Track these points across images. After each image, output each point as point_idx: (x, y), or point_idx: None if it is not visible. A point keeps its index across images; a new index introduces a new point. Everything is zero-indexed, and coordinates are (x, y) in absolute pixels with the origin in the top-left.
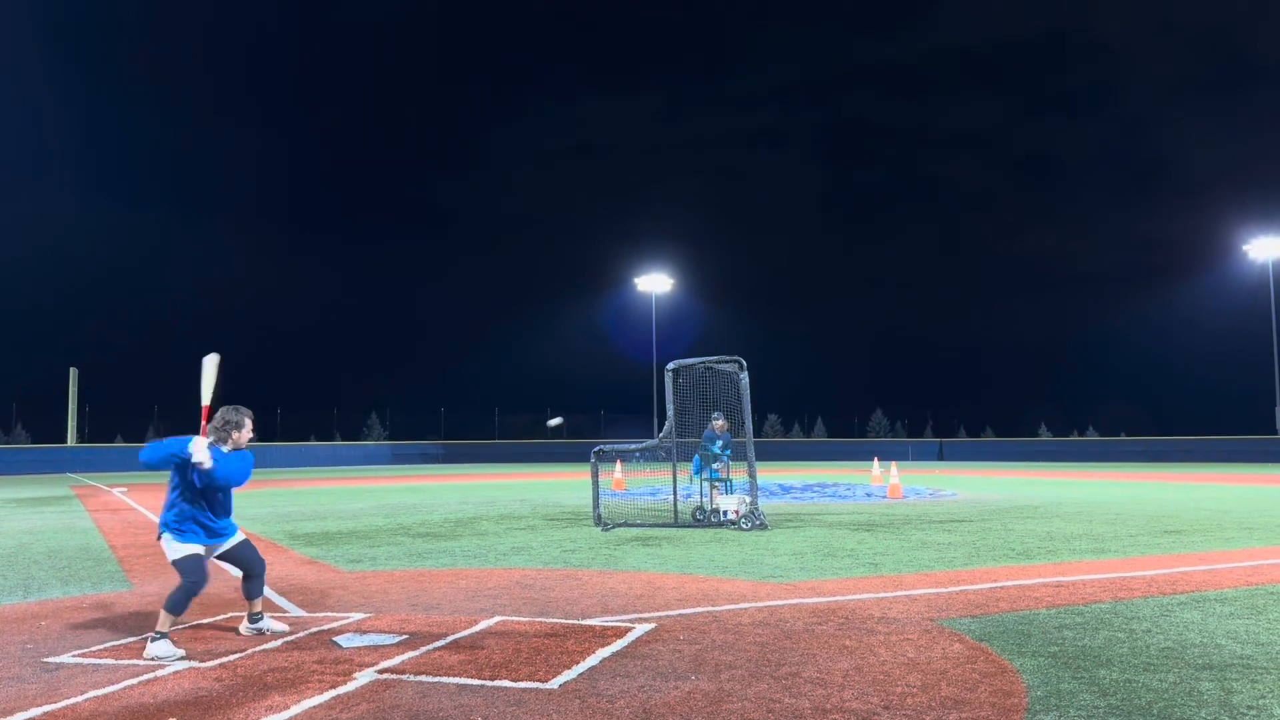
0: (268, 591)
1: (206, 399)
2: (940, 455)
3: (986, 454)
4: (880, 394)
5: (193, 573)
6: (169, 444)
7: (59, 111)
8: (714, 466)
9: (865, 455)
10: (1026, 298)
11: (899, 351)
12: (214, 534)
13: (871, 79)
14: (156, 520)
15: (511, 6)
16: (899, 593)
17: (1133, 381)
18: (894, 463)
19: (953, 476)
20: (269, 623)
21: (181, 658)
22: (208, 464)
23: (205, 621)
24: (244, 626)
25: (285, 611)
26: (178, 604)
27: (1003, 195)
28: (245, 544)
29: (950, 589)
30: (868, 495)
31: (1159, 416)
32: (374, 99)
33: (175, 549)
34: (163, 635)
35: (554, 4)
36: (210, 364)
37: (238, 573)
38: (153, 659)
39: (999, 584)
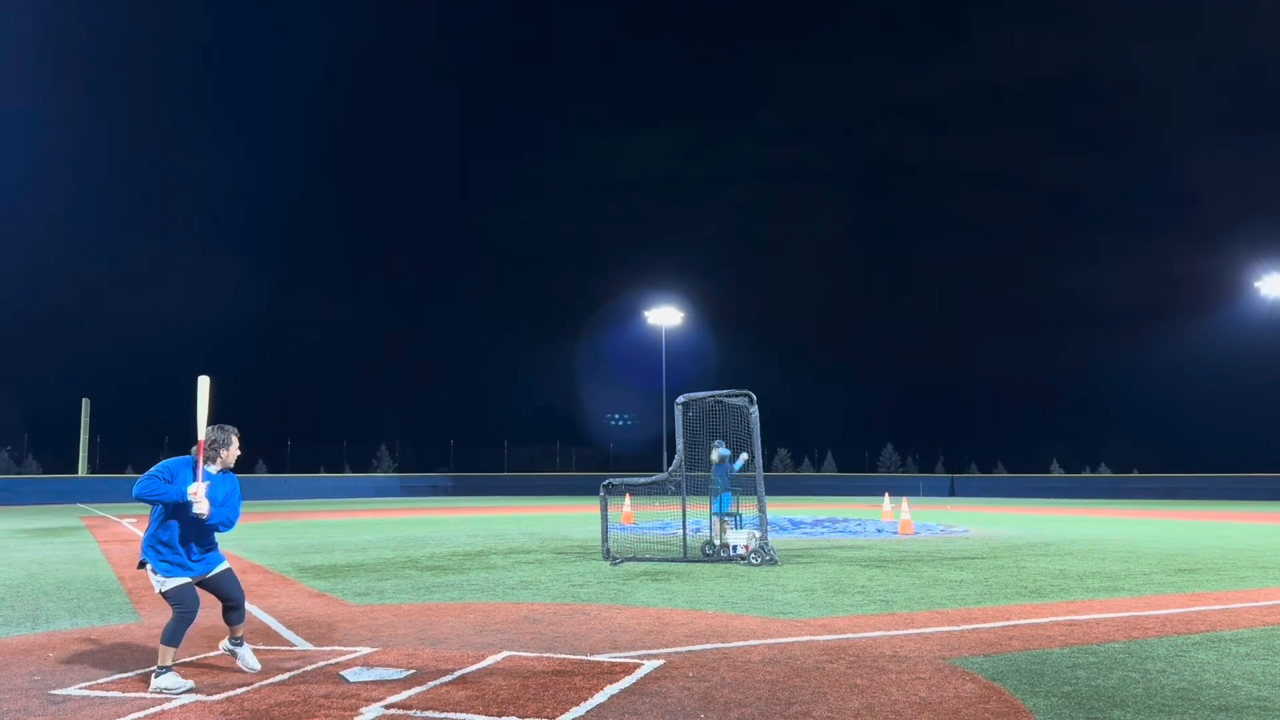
0: (274, 624)
1: (202, 432)
2: (952, 491)
3: (998, 490)
4: (891, 429)
5: (184, 603)
6: (166, 490)
7: (69, 146)
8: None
9: (875, 490)
10: (1038, 334)
11: (910, 386)
12: (200, 564)
13: (900, 115)
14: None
15: (535, 41)
16: (911, 630)
17: (1145, 418)
18: (905, 499)
19: (964, 513)
20: (247, 652)
21: (190, 689)
22: (206, 514)
23: (212, 655)
24: (223, 645)
25: (292, 645)
26: (174, 635)
27: (1022, 233)
28: (228, 573)
29: (962, 627)
30: (879, 531)
31: (1171, 453)
32: (392, 133)
33: (163, 581)
34: (167, 669)
35: (578, 40)
36: (204, 387)
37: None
38: (160, 691)
39: (1012, 622)
